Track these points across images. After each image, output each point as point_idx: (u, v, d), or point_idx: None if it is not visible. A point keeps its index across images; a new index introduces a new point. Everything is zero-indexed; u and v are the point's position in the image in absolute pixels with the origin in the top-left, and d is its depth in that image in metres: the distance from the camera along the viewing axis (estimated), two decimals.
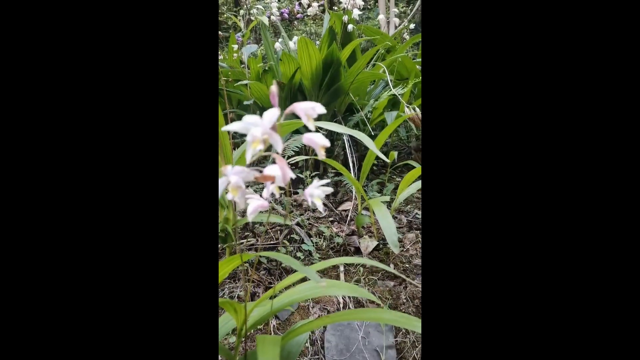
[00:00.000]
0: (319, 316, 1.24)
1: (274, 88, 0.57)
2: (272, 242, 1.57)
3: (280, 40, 2.38)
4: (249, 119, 0.54)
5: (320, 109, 0.56)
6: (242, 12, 2.75)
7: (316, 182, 0.67)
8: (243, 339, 0.99)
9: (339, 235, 1.58)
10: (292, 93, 2.06)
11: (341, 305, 1.28)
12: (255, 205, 0.71)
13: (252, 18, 2.59)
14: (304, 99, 2.05)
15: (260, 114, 0.58)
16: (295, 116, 0.59)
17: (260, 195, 0.72)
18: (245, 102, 2.08)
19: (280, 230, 1.66)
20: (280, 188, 0.68)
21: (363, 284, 1.36)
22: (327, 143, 0.58)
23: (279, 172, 0.59)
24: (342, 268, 1.42)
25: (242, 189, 0.61)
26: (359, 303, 1.30)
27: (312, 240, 1.54)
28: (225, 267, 0.77)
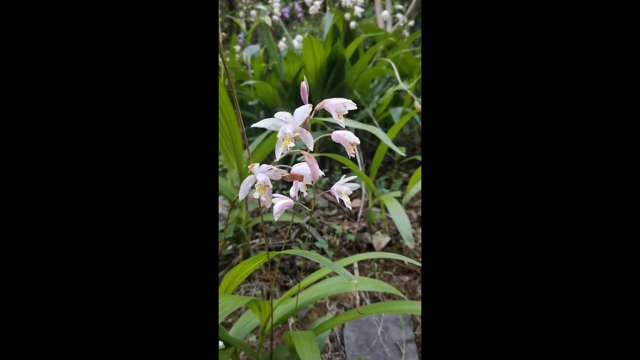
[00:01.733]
0: (336, 313, 1.25)
1: (304, 84, 0.57)
2: (284, 241, 1.57)
3: (283, 39, 2.38)
4: (279, 115, 0.55)
5: (351, 105, 0.56)
6: (241, 13, 2.75)
7: (343, 179, 0.68)
8: (267, 336, 0.99)
9: (350, 232, 1.58)
10: (297, 92, 2.07)
11: (358, 301, 1.29)
12: (281, 204, 0.71)
13: (252, 19, 2.59)
14: (308, 97, 2.05)
15: (265, 114, 0.58)
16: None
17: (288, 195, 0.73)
18: (250, 103, 2.08)
19: (291, 229, 1.66)
20: (307, 186, 0.69)
21: (378, 279, 1.37)
22: (358, 141, 0.58)
23: (309, 170, 0.60)
24: (356, 264, 1.43)
25: (269, 187, 0.61)
26: (374, 298, 1.30)
27: (324, 238, 1.54)
28: (250, 265, 0.77)
